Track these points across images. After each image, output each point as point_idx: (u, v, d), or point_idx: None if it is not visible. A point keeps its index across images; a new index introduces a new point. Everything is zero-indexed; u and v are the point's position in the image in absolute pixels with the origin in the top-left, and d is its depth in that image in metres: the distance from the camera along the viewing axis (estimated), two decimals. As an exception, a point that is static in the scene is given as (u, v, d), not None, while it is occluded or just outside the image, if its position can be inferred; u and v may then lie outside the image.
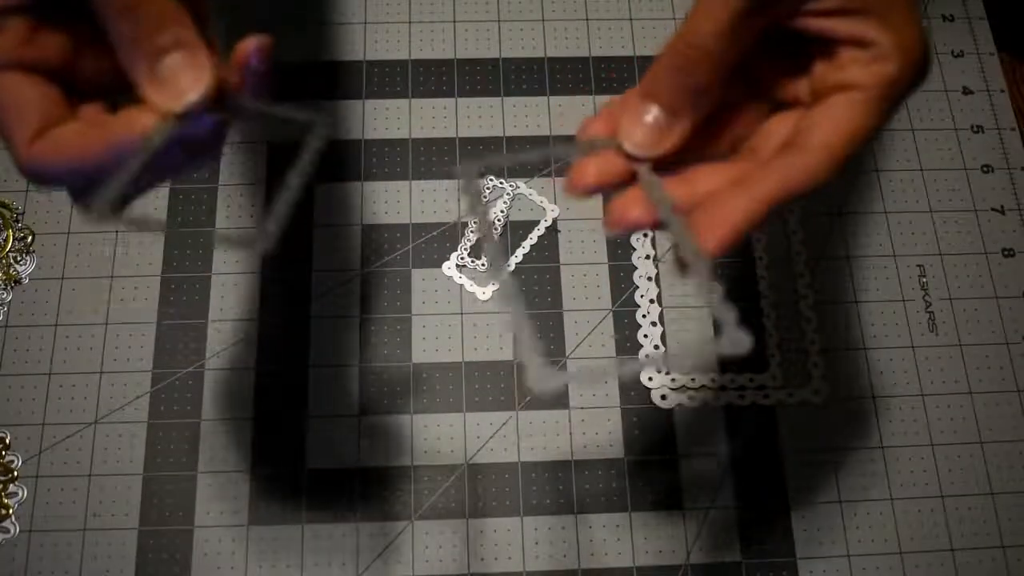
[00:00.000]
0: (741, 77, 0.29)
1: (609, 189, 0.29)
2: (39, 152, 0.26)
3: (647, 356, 0.27)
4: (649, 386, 0.49)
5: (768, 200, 0.27)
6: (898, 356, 0.50)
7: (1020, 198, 0.54)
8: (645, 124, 0.28)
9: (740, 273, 0.51)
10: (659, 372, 0.29)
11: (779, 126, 0.30)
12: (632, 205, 0.29)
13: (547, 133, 0.54)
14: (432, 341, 0.49)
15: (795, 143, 0.28)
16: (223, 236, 0.47)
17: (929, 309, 0.51)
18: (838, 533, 0.46)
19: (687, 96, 0.28)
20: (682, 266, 0.29)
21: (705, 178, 0.29)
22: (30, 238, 0.51)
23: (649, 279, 0.51)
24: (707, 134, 0.30)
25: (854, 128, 0.28)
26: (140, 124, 0.26)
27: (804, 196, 0.28)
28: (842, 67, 0.28)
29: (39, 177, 0.27)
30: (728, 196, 0.28)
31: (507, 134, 0.54)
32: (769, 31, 0.28)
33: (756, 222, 0.28)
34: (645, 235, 0.52)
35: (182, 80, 0.27)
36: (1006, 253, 0.53)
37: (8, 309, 0.49)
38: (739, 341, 0.28)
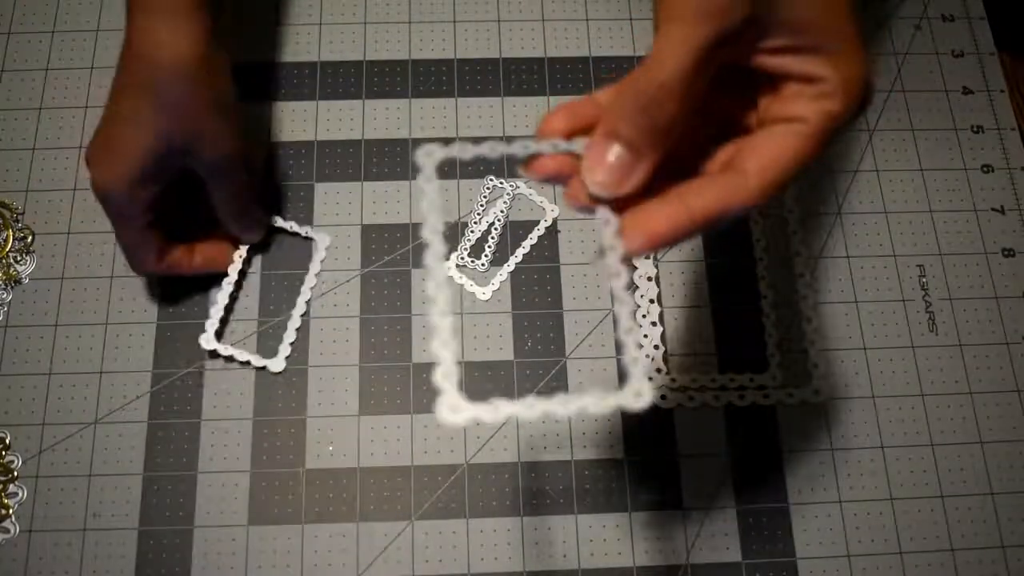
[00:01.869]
0: (699, 111, 0.30)
1: (565, 180, 0.30)
2: (167, 265, 0.47)
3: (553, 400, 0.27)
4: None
5: (697, 214, 0.28)
6: (898, 356, 0.50)
7: (1020, 198, 0.54)
8: (608, 164, 0.29)
9: (740, 273, 0.51)
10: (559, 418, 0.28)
11: (723, 152, 0.31)
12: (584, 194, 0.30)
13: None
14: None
15: (733, 165, 0.29)
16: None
17: (929, 309, 0.51)
18: (838, 532, 0.46)
19: (650, 135, 0.28)
20: (606, 264, 0.29)
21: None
22: (30, 238, 0.51)
23: (649, 279, 0.51)
24: (667, 169, 0.30)
25: (790, 158, 0.29)
26: (230, 255, 0.50)
27: (734, 216, 0.29)
28: (788, 100, 0.29)
29: (160, 274, 0.48)
30: (661, 203, 0.29)
31: (507, 134, 0.54)
32: (725, 69, 0.29)
33: (680, 232, 0.29)
34: (645, 235, 0.52)
35: (255, 234, 0.50)
36: (1006, 253, 0.53)
37: (8, 309, 0.49)
38: (643, 393, 0.28)
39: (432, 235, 0.30)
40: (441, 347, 0.29)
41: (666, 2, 0.28)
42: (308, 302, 0.50)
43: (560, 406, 0.27)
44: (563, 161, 0.30)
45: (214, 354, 0.48)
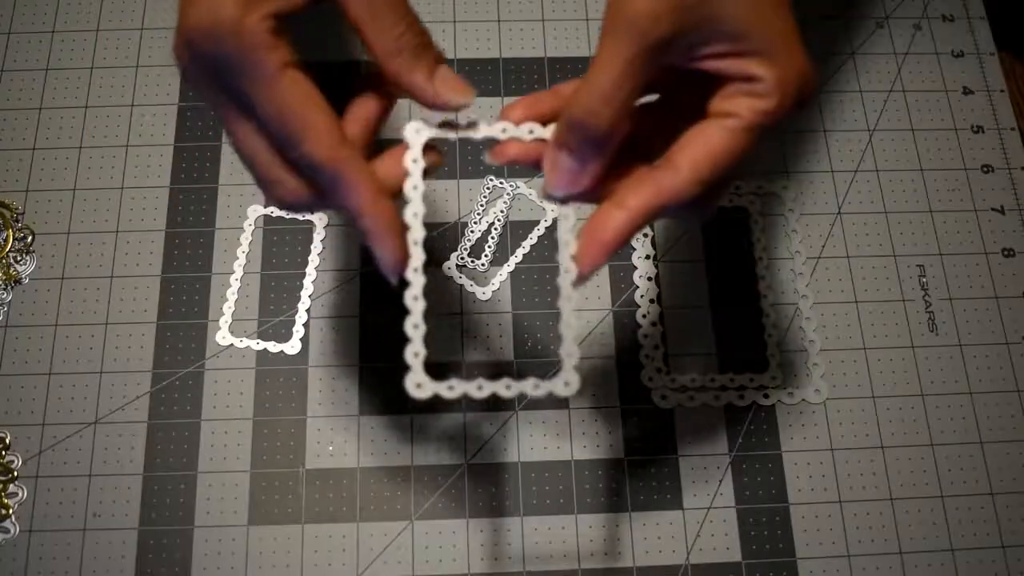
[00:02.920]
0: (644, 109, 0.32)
1: (526, 163, 0.33)
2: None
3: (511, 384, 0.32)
4: (649, 386, 0.49)
5: (636, 213, 0.31)
6: (898, 356, 0.50)
7: (1020, 198, 0.54)
8: (560, 169, 0.32)
9: (740, 273, 0.51)
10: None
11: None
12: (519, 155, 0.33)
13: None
14: (432, 341, 0.49)
15: (667, 160, 0.31)
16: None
17: (929, 309, 0.51)
18: (838, 533, 0.46)
19: (591, 143, 0.30)
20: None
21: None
22: (30, 238, 0.51)
23: (649, 279, 0.51)
24: (640, 155, 0.32)
25: (720, 151, 0.30)
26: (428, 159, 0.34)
27: (670, 209, 0.31)
28: (726, 97, 0.31)
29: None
30: (604, 215, 0.31)
31: (507, 134, 0.54)
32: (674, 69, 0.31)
33: (626, 233, 0.31)
34: (645, 235, 0.52)
35: (455, 85, 0.32)
36: (1006, 253, 0.53)
37: (8, 309, 0.49)
38: (571, 383, 0.31)
39: (414, 214, 0.32)
40: (411, 328, 0.33)
41: (605, 15, 0.29)
42: (315, 282, 0.50)
43: (504, 388, 0.32)
44: (524, 148, 0.33)
45: (227, 349, 0.48)
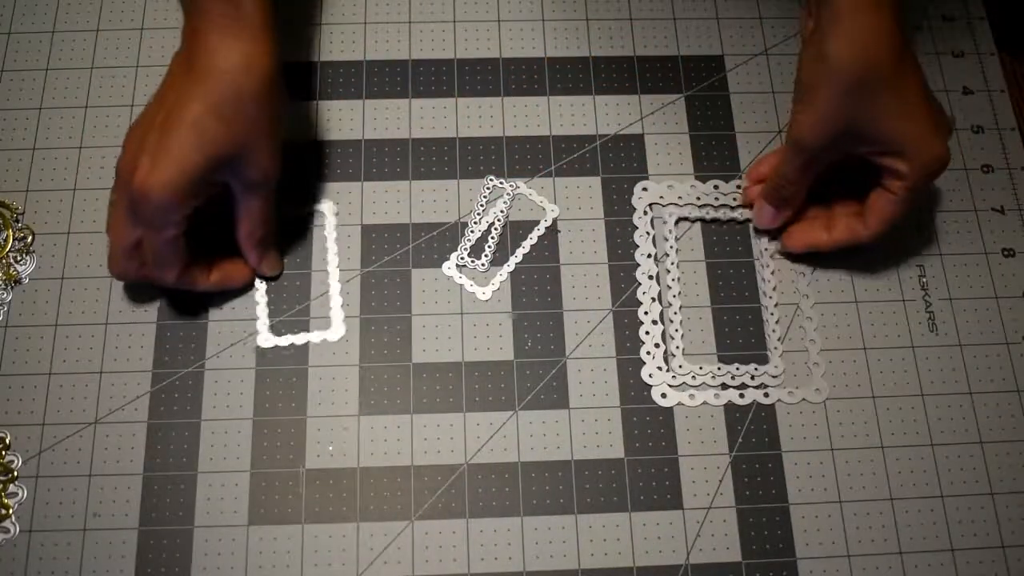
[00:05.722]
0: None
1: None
2: (185, 279, 0.47)
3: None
4: (650, 383, 0.49)
5: (833, 243, 0.49)
6: (898, 356, 0.50)
7: (1020, 198, 0.54)
8: (762, 216, 0.51)
9: (741, 273, 0.51)
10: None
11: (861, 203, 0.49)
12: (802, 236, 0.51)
13: (547, 133, 0.54)
14: (432, 341, 0.49)
15: (860, 214, 0.48)
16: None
17: (929, 309, 0.51)
18: (838, 533, 0.46)
19: (782, 202, 0.50)
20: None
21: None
22: (30, 238, 0.51)
23: (650, 277, 0.51)
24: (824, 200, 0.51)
25: (889, 213, 0.47)
26: (245, 275, 0.50)
27: (852, 247, 0.49)
28: (885, 176, 0.46)
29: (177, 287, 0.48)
30: (818, 232, 0.50)
31: (507, 134, 0.54)
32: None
33: (815, 247, 0.50)
34: (647, 233, 0.52)
35: (278, 264, 0.50)
36: (1006, 253, 0.53)
37: (8, 309, 0.49)
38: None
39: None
40: None
41: (789, 130, 0.47)
42: (338, 267, 0.51)
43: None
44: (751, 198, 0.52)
45: (269, 350, 0.49)
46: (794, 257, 0.51)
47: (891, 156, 0.45)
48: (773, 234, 0.52)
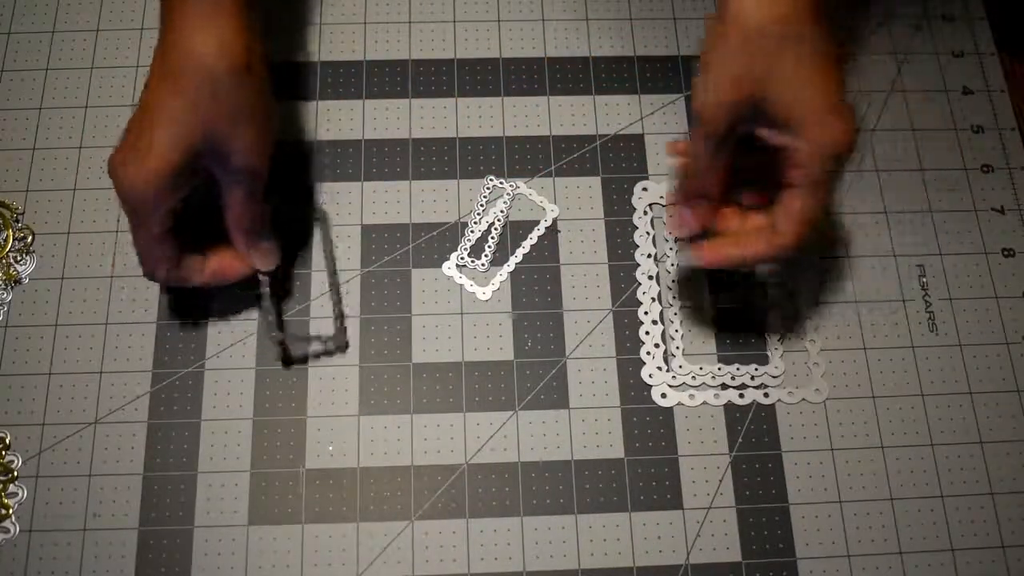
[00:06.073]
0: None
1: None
2: (179, 274, 0.46)
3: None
4: (650, 383, 0.49)
5: (750, 255, 0.43)
6: (898, 356, 0.50)
7: (1020, 198, 0.54)
8: (679, 216, 0.45)
9: (740, 273, 0.51)
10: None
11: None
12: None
13: (547, 133, 0.54)
14: (432, 341, 0.49)
15: (773, 222, 0.43)
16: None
17: (929, 309, 0.51)
18: (838, 533, 0.46)
19: (698, 197, 0.44)
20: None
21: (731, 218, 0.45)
22: (30, 238, 0.51)
23: (650, 277, 0.51)
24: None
25: (800, 212, 0.41)
26: (240, 268, 0.48)
27: (776, 258, 0.44)
28: (787, 166, 0.41)
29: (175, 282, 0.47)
30: (729, 245, 0.44)
31: (507, 134, 0.54)
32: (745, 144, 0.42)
33: (732, 263, 0.44)
34: (647, 233, 0.52)
35: (271, 257, 0.48)
36: (1006, 253, 0.53)
37: (8, 309, 0.49)
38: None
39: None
40: None
41: (692, 103, 0.43)
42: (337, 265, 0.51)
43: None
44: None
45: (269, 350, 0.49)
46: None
47: (788, 135, 0.40)
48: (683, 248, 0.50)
